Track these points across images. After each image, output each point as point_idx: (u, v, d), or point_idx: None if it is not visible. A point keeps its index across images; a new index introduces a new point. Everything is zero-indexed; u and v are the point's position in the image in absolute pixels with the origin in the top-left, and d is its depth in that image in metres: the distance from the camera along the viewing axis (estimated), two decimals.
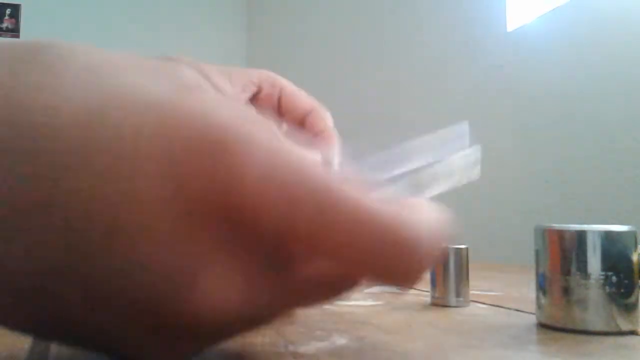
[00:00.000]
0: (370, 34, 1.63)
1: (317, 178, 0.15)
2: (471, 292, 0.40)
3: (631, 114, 0.86)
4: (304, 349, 0.25)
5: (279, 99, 0.31)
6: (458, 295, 0.39)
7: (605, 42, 0.92)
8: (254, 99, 0.30)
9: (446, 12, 1.33)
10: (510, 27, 1.13)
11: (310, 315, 0.35)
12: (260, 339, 0.27)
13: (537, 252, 0.32)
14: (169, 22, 2.76)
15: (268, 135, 0.16)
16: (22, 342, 0.27)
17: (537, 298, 0.32)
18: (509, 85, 1.11)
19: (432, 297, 0.40)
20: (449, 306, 0.39)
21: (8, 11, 2.70)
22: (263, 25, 2.35)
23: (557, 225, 0.31)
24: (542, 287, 0.31)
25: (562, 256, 0.30)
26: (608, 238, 0.29)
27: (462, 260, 0.39)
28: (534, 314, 0.37)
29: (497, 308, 0.39)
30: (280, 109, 0.31)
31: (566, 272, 0.30)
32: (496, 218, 1.10)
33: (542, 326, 0.31)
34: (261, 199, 0.15)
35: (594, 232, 0.29)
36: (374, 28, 1.62)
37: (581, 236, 0.29)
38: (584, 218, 0.89)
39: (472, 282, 0.41)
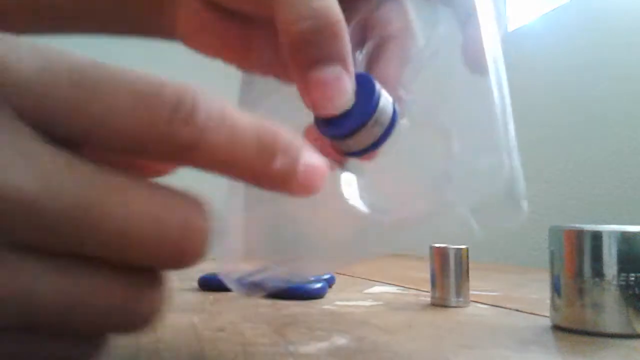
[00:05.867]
0: None
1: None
2: (471, 292, 0.40)
3: (632, 114, 0.86)
4: (304, 349, 0.25)
5: None
6: (458, 295, 0.39)
7: (605, 42, 0.92)
8: None
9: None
10: (510, 27, 1.13)
11: (310, 315, 0.35)
12: (260, 339, 0.27)
13: (551, 253, 0.31)
14: None
15: None
16: None
17: (552, 299, 0.31)
18: (509, 85, 1.11)
19: (432, 297, 0.40)
20: (449, 306, 0.39)
21: None
22: None
23: (573, 226, 0.30)
24: (556, 288, 0.31)
25: (577, 257, 0.29)
26: (624, 239, 0.28)
27: (462, 260, 0.39)
28: (534, 314, 0.37)
29: (497, 308, 0.39)
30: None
31: (581, 273, 0.29)
32: None
33: (557, 328, 0.31)
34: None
35: (609, 232, 0.29)
36: None
37: (597, 236, 0.29)
38: (585, 219, 0.89)
39: (472, 282, 0.40)
